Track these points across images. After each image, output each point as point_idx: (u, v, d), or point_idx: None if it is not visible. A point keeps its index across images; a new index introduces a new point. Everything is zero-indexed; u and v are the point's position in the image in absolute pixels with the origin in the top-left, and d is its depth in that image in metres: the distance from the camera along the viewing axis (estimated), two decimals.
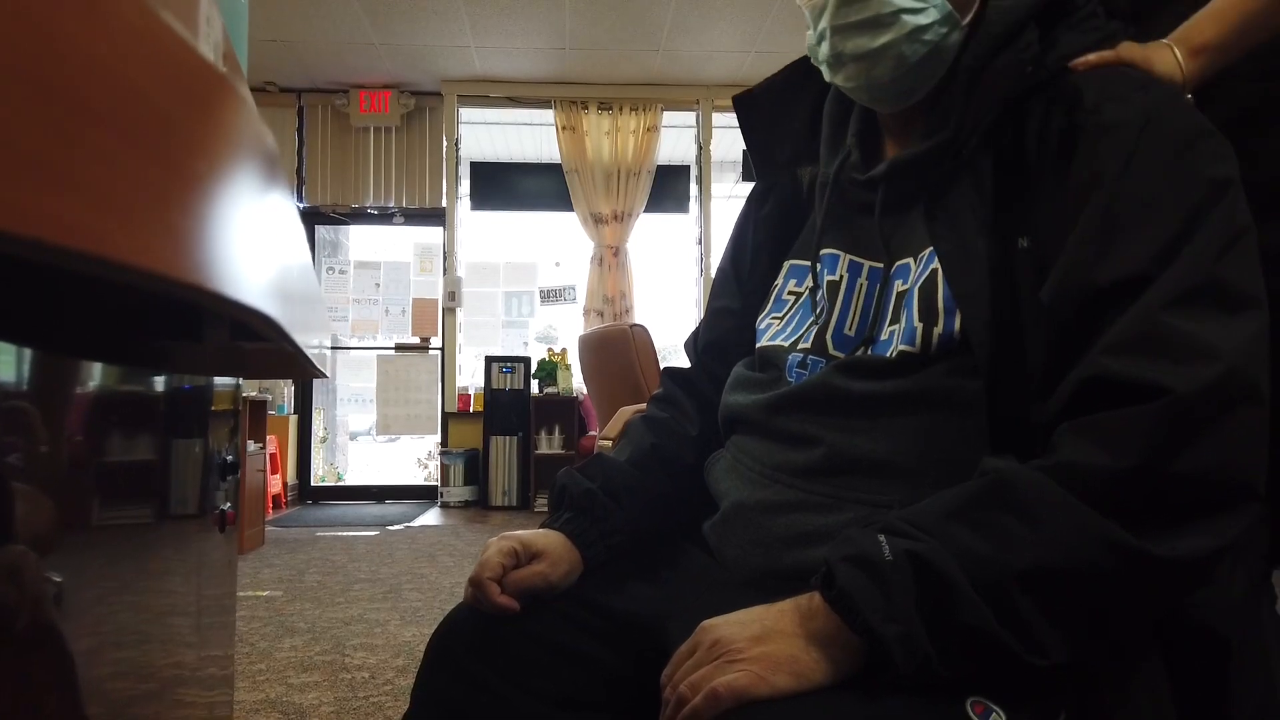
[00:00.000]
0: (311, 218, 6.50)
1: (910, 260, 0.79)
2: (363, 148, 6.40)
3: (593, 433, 5.82)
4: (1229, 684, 0.66)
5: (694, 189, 6.67)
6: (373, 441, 8.10)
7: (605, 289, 6.27)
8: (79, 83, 0.21)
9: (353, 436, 7.80)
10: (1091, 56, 0.76)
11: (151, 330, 0.67)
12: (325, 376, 0.89)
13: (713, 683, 0.61)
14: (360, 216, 6.54)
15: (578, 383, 5.84)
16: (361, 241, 7.13)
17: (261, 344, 0.69)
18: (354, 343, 6.70)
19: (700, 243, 6.46)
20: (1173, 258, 0.64)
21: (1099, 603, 0.60)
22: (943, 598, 0.60)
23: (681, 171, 6.80)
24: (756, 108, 0.97)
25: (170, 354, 0.72)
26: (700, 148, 6.45)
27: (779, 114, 0.95)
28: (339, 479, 6.86)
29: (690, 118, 6.47)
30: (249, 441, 4.27)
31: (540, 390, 6.06)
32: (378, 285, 6.58)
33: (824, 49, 0.82)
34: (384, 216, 6.49)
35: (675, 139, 6.57)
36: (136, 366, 0.70)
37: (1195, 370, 0.60)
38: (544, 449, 5.91)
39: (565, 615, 0.83)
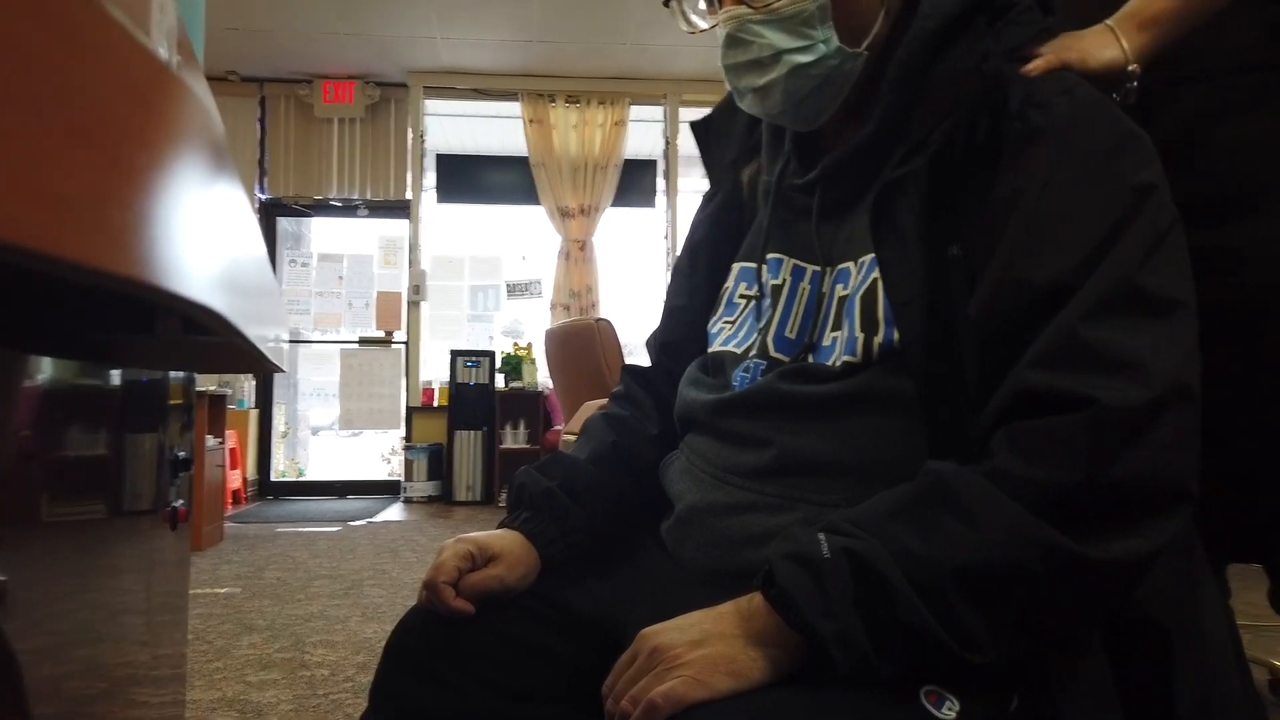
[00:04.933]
0: (273, 209, 6.41)
1: (851, 265, 0.79)
2: (326, 139, 6.32)
3: (558, 427, 5.81)
4: (1171, 675, 0.68)
5: (661, 183, 6.67)
6: (335, 436, 8.02)
7: (572, 283, 6.25)
8: (8, 72, 0.20)
9: (315, 431, 7.71)
10: (1038, 64, 0.77)
11: (101, 323, 0.66)
12: (282, 371, 0.88)
13: (650, 693, 0.61)
14: (323, 208, 6.46)
15: (543, 377, 5.82)
16: (325, 234, 7.05)
17: (214, 338, 0.68)
18: (316, 336, 6.62)
19: (667, 237, 6.46)
20: (1095, 267, 0.65)
21: (1034, 603, 0.61)
22: (880, 595, 0.60)
23: (649, 166, 6.79)
24: (710, 129, 1.00)
25: (120, 348, 0.71)
26: (668, 142, 6.45)
27: (726, 125, 0.96)
28: (300, 474, 6.78)
29: (658, 112, 6.46)
30: (208, 436, 4.20)
31: (506, 384, 6.04)
32: (341, 278, 6.51)
33: (728, 82, 0.85)
34: (348, 209, 6.42)
35: (643, 133, 6.56)
36: (83, 360, 0.69)
37: (1119, 380, 0.61)
38: (509, 444, 5.89)
39: (525, 611, 0.82)
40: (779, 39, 0.79)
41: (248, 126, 6.23)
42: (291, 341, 6.60)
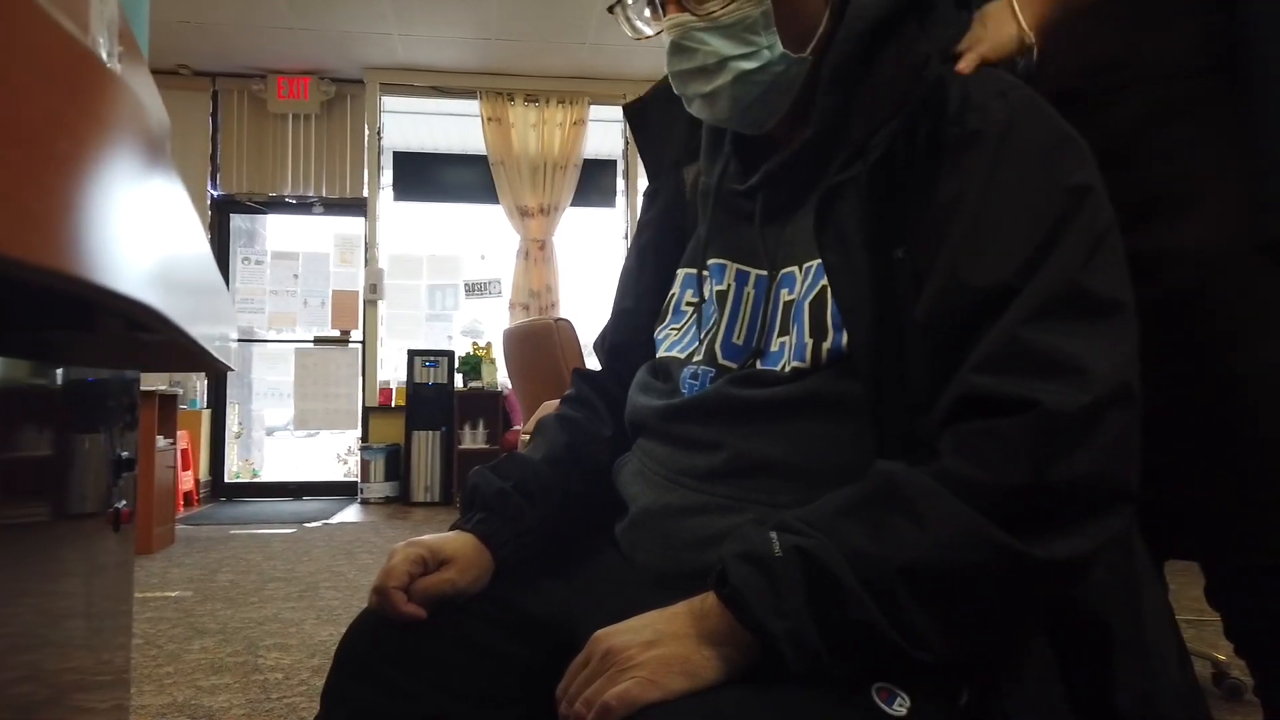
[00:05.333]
0: (226, 206, 6.31)
1: (796, 269, 0.79)
2: (281, 135, 6.23)
3: (517, 427, 5.78)
4: (1113, 668, 0.69)
5: (621, 183, 6.67)
6: (290, 437, 7.90)
7: (531, 283, 6.23)
8: None
9: (269, 432, 7.59)
10: (965, 64, 0.78)
11: (39, 320, 0.64)
12: (230, 370, 0.87)
13: (604, 695, 0.60)
14: (278, 206, 6.36)
15: (502, 377, 5.79)
16: (279, 231, 6.94)
17: (157, 336, 0.66)
18: (271, 336, 6.52)
19: (626, 237, 6.47)
20: (1037, 269, 0.66)
21: (980, 601, 0.62)
22: (831, 594, 0.60)
23: (608, 165, 6.79)
24: (646, 115, 0.99)
25: (59, 345, 0.69)
26: (627, 142, 6.46)
27: (666, 119, 0.96)
28: (254, 475, 6.68)
29: (618, 112, 6.46)
30: (158, 437, 4.12)
31: (464, 384, 6.00)
32: (296, 276, 6.42)
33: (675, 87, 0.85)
34: (303, 206, 6.33)
35: (602, 133, 6.55)
36: (21, 358, 0.67)
37: (1061, 383, 0.62)
38: (468, 444, 5.85)
39: (478, 613, 0.82)
40: (723, 46, 0.79)
41: (199, 122, 6.12)
42: (245, 340, 6.50)
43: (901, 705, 0.61)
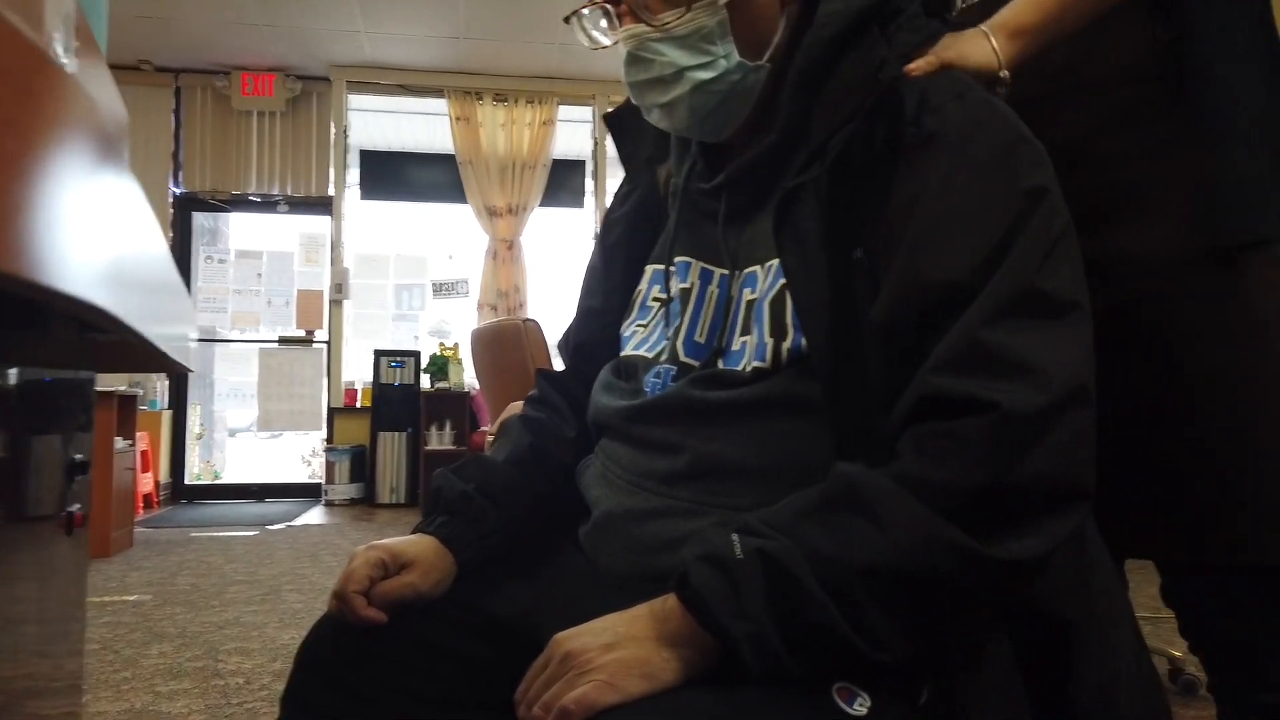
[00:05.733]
0: (189, 204, 6.21)
1: (758, 269, 0.80)
2: (245, 132, 6.16)
3: (484, 428, 5.75)
4: (1071, 663, 0.70)
5: (589, 184, 6.67)
6: (254, 438, 7.81)
7: (499, 283, 6.20)
8: None
9: (232, 433, 7.50)
10: (920, 63, 0.79)
11: None
12: (189, 371, 0.85)
13: (562, 699, 0.60)
14: (242, 204, 6.28)
15: (470, 378, 5.76)
16: (243, 230, 6.87)
17: (112, 336, 0.65)
18: (235, 336, 6.43)
19: (595, 238, 6.46)
20: (993, 271, 0.66)
21: (939, 602, 0.63)
22: (792, 596, 0.61)
23: (577, 166, 6.78)
24: (624, 119, 0.99)
25: (9, 346, 0.67)
26: (596, 143, 6.46)
27: (640, 120, 0.96)
28: (216, 477, 6.59)
29: (586, 112, 6.46)
30: (117, 438, 4.05)
31: (431, 385, 5.95)
32: (260, 275, 6.34)
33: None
34: (267, 204, 6.26)
35: (571, 133, 6.54)
36: None
37: (1019, 384, 0.63)
38: (434, 445, 5.81)
39: (440, 616, 0.81)
40: (680, 56, 0.79)
41: (162, 118, 6.02)
42: (207, 340, 6.41)
43: (862, 705, 0.61)
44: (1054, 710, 0.70)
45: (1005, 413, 0.62)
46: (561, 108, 6.32)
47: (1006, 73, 0.88)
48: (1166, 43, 0.94)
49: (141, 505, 5.18)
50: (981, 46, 0.88)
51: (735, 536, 0.64)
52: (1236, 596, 0.94)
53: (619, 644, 0.63)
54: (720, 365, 0.80)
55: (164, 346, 0.58)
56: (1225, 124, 0.91)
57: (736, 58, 0.80)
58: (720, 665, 0.62)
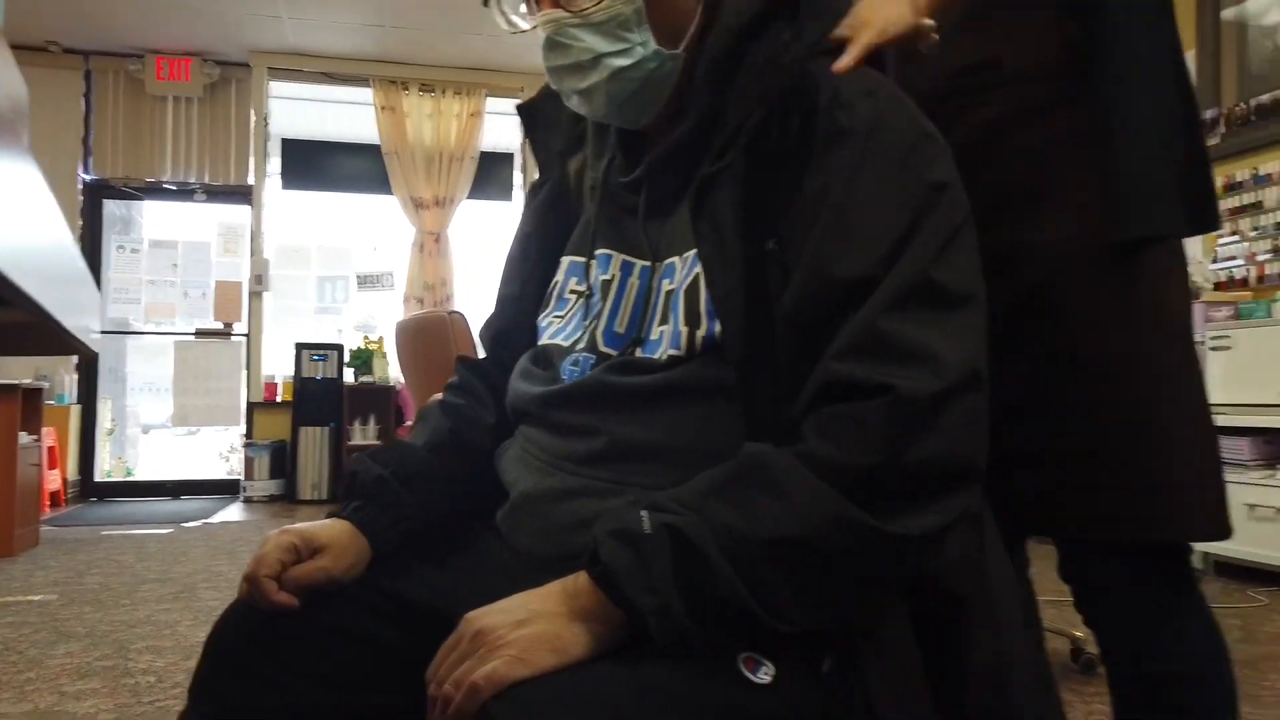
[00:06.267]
0: (100, 191, 5.99)
1: (676, 260, 0.81)
2: (160, 118, 5.96)
3: (409, 423, 5.68)
4: (964, 636, 0.73)
5: (518, 177, 6.63)
6: (169, 434, 7.56)
7: (426, 276, 6.13)
8: None
9: (145, 429, 7.24)
10: (846, 61, 0.81)
11: None
12: (94, 354, 0.83)
13: (472, 675, 0.61)
14: (156, 191, 6.08)
15: (395, 372, 5.68)
16: (158, 219, 6.63)
17: (14, 314, 0.63)
18: (149, 328, 6.23)
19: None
20: (894, 262, 0.70)
21: (838, 574, 0.65)
22: (697, 568, 0.63)
23: (506, 159, 6.74)
24: (536, 113, 1.00)
25: None
26: (525, 136, 6.41)
27: (554, 112, 0.97)
28: (128, 474, 6.36)
29: (515, 105, 6.40)
30: (21, 434, 3.88)
31: (355, 379, 5.86)
32: (175, 266, 6.16)
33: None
34: (183, 192, 6.07)
35: (500, 126, 6.49)
36: None
37: (914, 369, 0.66)
38: (358, 440, 5.71)
39: (353, 601, 0.81)
40: (597, 43, 0.81)
41: (71, 102, 5.80)
42: (119, 333, 6.19)
43: (766, 674, 0.64)
44: (949, 680, 0.73)
45: (900, 396, 0.65)
46: (490, 100, 6.27)
47: (930, 23, 0.88)
48: (1074, 43, 0.98)
49: (48, 503, 4.98)
50: (899, 6, 0.88)
51: (644, 513, 0.65)
52: (1126, 572, 0.99)
53: (530, 620, 0.64)
54: (638, 354, 0.81)
55: (68, 325, 0.58)
56: (1127, 122, 0.96)
57: (653, 46, 0.81)
58: (631, 639, 0.64)
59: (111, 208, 6.23)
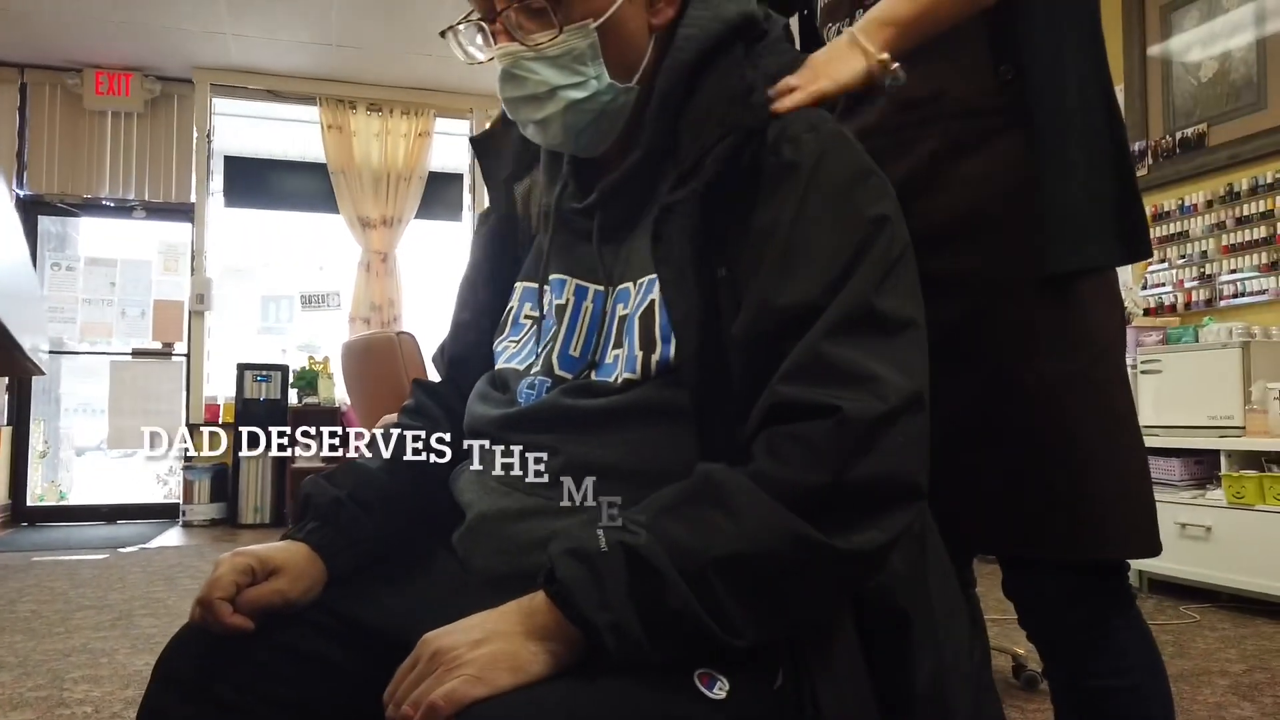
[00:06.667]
0: (34, 207, 5.83)
1: (630, 285, 0.84)
2: (98, 133, 5.84)
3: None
4: (909, 651, 0.76)
5: (467, 198, 6.61)
6: (104, 456, 7.34)
7: (373, 296, 6.07)
8: None
9: (79, 452, 7.03)
10: (787, 102, 0.84)
11: None
12: (41, 373, 0.82)
13: (430, 695, 0.61)
14: (93, 208, 5.94)
15: (340, 393, 5.60)
16: (94, 236, 6.47)
17: None
18: (84, 348, 6.06)
19: None
20: (838, 291, 0.73)
21: (789, 589, 0.67)
22: (652, 585, 0.64)
23: (455, 179, 6.72)
24: (489, 143, 1.02)
25: None
26: (474, 157, 6.40)
27: (503, 139, 0.99)
28: (61, 498, 6.16)
29: (465, 126, 6.41)
30: None
31: (299, 400, 5.76)
32: (113, 284, 6.01)
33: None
34: (122, 209, 5.94)
35: (449, 146, 6.48)
36: None
37: (859, 391, 0.69)
38: (302, 463, 5.61)
39: (309, 624, 0.80)
40: (553, 76, 0.83)
41: (5, 115, 5.65)
42: (53, 352, 6.01)
43: (721, 689, 0.65)
44: (895, 694, 0.76)
45: (846, 416, 0.68)
46: (439, 120, 6.26)
47: (887, 57, 0.90)
48: (1008, 80, 1.03)
49: None
50: (852, 60, 0.92)
51: (600, 531, 0.66)
52: (1065, 590, 1.03)
53: (487, 640, 0.64)
54: (593, 377, 0.83)
55: (24, 344, 0.57)
56: (1059, 156, 1.00)
57: (607, 79, 0.84)
58: (588, 656, 0.65)
59: (46, 224, 6.07)
